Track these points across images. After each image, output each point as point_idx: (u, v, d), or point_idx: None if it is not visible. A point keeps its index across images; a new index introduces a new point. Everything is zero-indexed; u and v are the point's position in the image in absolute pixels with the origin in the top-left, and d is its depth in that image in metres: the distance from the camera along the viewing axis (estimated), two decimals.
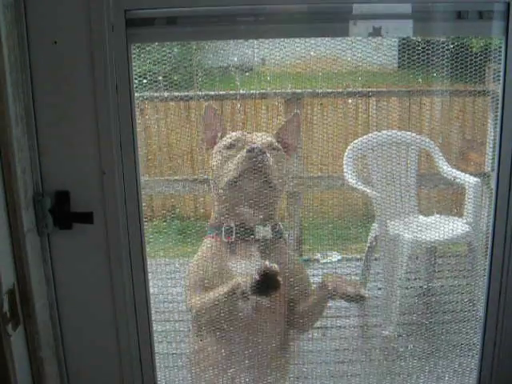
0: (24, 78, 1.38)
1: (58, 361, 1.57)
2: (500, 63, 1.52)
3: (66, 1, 1.36)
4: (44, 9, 1.36)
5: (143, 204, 1.52)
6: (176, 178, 2.26)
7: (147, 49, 1.48)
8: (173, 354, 1.92)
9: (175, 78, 1.61)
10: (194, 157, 2.20)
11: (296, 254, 1.94)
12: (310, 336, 1.89)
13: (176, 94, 1.85)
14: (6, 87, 1.30)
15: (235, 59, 1.71)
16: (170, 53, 1.54)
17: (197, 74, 1.73)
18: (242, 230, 1.75)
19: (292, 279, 1.74)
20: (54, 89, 1.40)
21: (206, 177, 1.88)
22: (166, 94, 1.71)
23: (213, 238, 1.78)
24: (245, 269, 1.71)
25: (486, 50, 1.75)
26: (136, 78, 1.44)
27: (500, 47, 1.52)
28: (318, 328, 2.06)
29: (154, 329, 1.66)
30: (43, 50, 1.38)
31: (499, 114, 1.54)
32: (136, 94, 1.45)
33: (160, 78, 1.57)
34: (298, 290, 1.75)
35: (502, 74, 1.52)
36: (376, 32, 1.46)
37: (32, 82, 1.39)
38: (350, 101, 2.25)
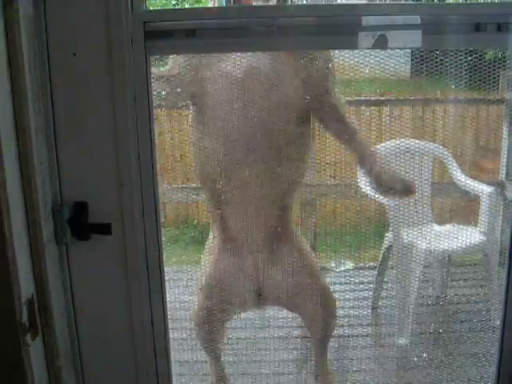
0: (44, 91, 1.39)
1: (75, 369, 1.58)
2: None
3: (86, 13, 1.37)
4: (64, 21, 1.36)
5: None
6: (190, 185, 2.27)
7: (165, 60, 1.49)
8: (188, 361, 1.93)
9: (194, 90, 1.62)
10: None
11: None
12: None
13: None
14: (27, 100, 1.31)
15: None
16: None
17: None
18: None
19: None
20: (73, 100, 1.41)
21: None
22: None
23: None
24: None
25: (501, 58, 1.75)
26: (155, 90, 1.45)
27: None
28: (333, 337, 2.07)
29: (170, 336, 1.66)
30: (63, 63, 1.38)
31: None
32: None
33: (179, 89, 1.58)
34: None
35: None
36: (384, 45, 1.44)
37: (52, 94, 1.40)
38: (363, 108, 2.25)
